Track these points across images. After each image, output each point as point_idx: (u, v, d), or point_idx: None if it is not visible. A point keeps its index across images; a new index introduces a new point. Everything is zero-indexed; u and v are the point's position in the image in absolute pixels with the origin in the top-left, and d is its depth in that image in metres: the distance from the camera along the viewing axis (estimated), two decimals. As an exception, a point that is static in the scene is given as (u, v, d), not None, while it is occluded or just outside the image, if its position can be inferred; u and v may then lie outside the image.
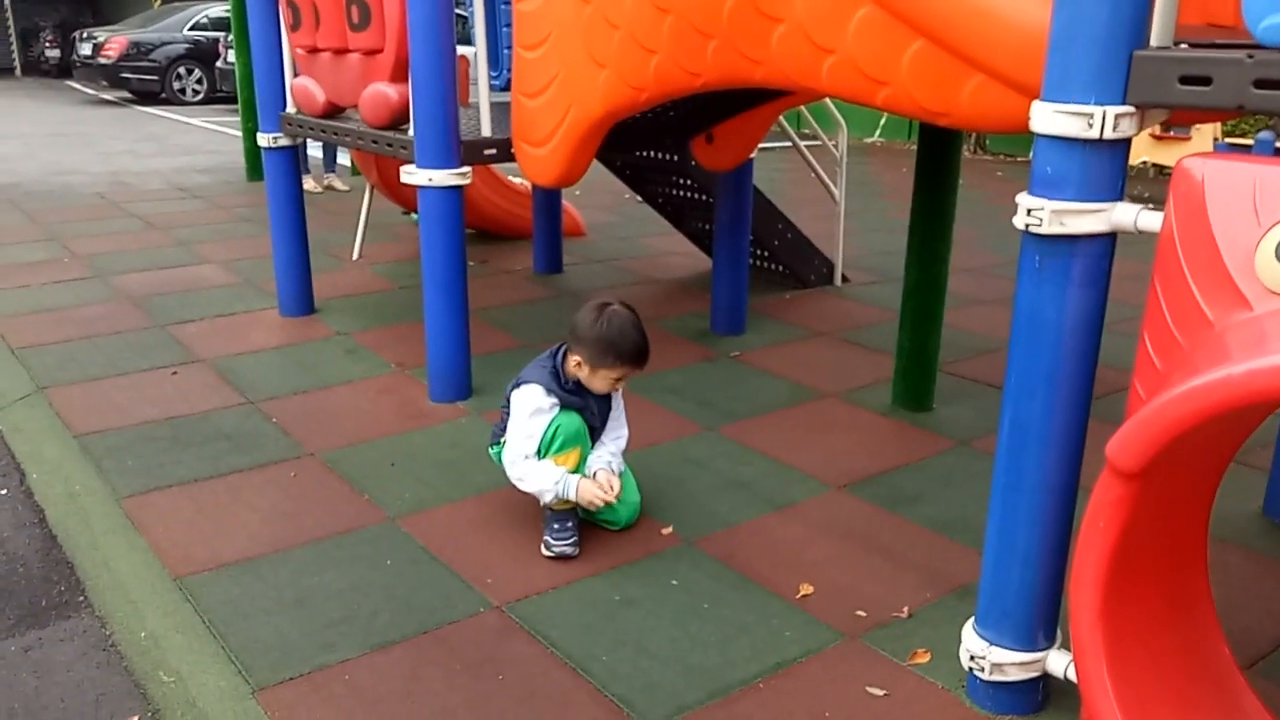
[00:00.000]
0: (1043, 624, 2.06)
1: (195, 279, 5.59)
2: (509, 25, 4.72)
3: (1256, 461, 3.24)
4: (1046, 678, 2.10)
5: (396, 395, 3.89)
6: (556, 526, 2.71)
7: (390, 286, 5.51)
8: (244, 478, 3.18)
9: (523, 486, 2.72)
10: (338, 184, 8.52)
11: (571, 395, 2.76)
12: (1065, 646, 2.01)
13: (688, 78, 2.86)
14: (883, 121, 13.23)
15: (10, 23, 26.07)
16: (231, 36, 9.88)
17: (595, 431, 2.87)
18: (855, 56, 2.35)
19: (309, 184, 8.05)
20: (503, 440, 2.86)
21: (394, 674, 2.24)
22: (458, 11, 3.90)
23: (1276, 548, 2.82)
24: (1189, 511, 1.79)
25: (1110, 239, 1.81)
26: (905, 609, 2.49)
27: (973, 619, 2.15)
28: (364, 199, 6.36)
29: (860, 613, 2.47)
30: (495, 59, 4.98)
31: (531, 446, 2.71)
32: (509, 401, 2.82)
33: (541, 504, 2.74)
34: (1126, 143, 1.75)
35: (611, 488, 2.70)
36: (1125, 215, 1.75)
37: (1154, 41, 1.69)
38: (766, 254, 5.54)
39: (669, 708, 2.13)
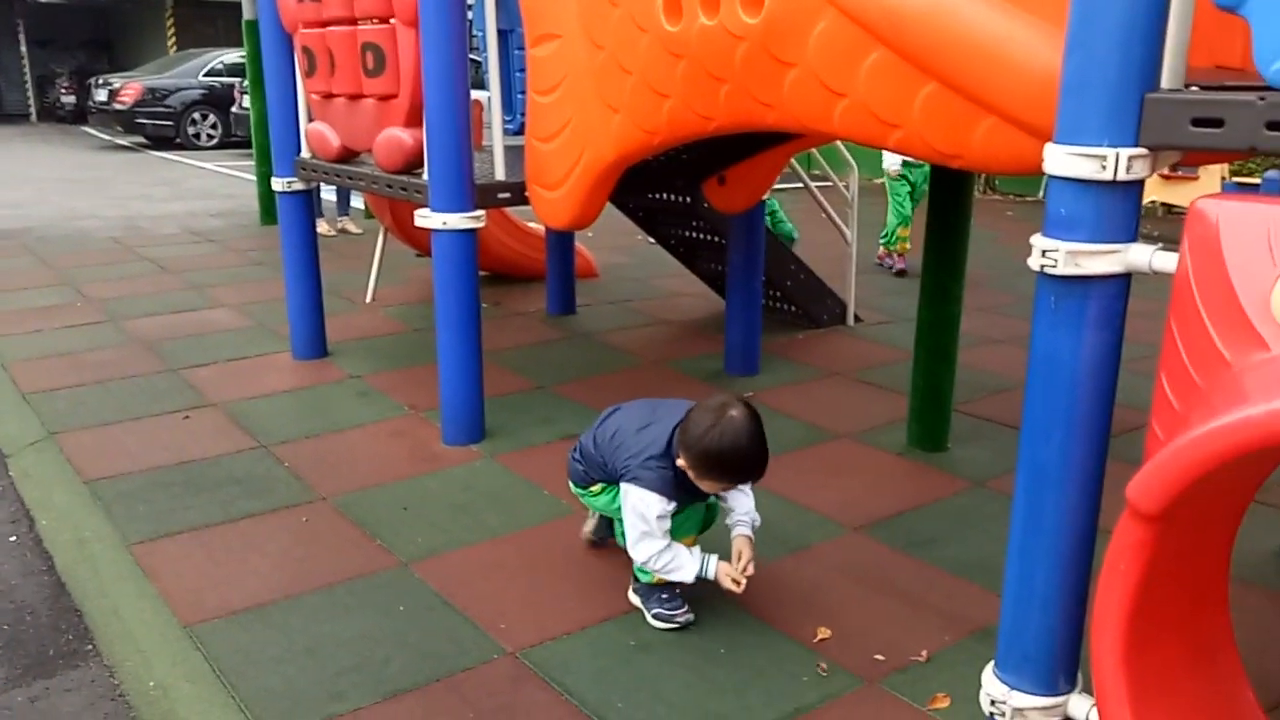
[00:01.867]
0: (1064, 668, 2.02)
1: (208, 323, 5.62)
2: (522, 70, 4.77)
3: (1275, 499, 3.21)
4: (1068, 723, 2.07)
5: (409, 438, 3.89)
6: (665, 596, 2.61)
7: (403, 329, 5.53)
8: (255, 523, 3.17)
9: (670, 576, 2.56)
10: (351, 227, 8.59)
11: (690, 495, 2.60)
12: (1087, 690, 1.98)
13: (700, 121, 2.88)
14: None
15: (26, 70, 26.47)
16: (246, 82, 10.03)
17: (712, 507, 2.79)
18: (868, 100, 2.37)
19: (322, 227, 8.11)
20: (594, 490, 2.75)
21: (407, 722, 2.21)
22: (471, 57, 3.95)
23: (1299, 589, 2.79)
24: (1210, 553, 1.76)
25: (1125, 280, 1.81)
26: (924, 653, 2.46)
27: (993, 663, 2.12)
28: (377, 242, 6.40)
29: (879, 657, 2.45)
30: (508, 103, 5.03)
31: (665, 541, 2.54)
32: (604, 456, 2.68)
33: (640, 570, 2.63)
34: (1140, 184, 1.75)
35: (744, 562, 2.60)
36: (1140, 256, 1.74)
37: (1165, 84, 1.69)
38: (779, 294, 5.55)
39: (685, 756, 2.11)
